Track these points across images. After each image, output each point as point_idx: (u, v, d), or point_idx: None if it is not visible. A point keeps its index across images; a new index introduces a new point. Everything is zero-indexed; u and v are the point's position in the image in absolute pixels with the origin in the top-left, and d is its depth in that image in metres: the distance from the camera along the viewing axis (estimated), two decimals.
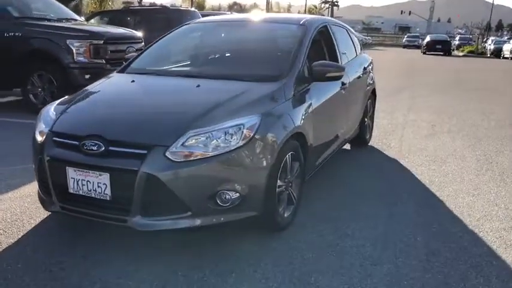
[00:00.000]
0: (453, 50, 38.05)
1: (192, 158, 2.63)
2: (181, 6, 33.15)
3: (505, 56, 30.84)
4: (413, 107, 8.63)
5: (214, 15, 12.19)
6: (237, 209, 2.78)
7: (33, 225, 3.18)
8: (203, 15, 9.71)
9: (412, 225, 3.36)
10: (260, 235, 3.08)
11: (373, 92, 5.65)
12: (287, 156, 3.05)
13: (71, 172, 2.73)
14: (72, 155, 2.76)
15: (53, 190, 2.85)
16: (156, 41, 4.32)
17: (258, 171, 2.82)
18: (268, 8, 51.51)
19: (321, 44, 4.29)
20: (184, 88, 3.41)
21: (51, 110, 3.19)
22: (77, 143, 2.76)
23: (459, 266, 2.80)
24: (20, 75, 6.74)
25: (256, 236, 3.07)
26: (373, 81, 5.59)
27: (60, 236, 3.08)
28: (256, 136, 2.78)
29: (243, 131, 2.74)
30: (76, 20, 7.99)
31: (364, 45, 36.16)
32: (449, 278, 2.66)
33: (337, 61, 4.32)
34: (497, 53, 32.93)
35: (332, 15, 64.50)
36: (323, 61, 3.72)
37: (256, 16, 4.74)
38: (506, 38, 46.07)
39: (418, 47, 42.87)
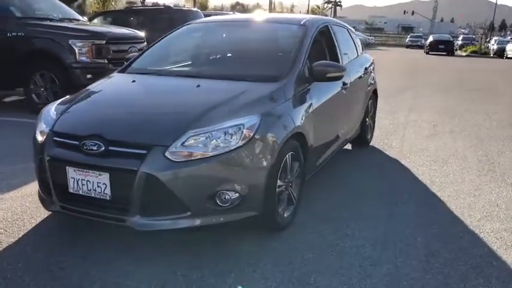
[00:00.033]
0: (456, 50, 37.94)
1: (191, 158, 2.63)
2: (184, 6, 33.20)
3: (508, 56, 30.71)
4: (415, 107, 8.61)
5: (216, 15, 12.19)
6: (236, 209, 2.78)
7: (33, 225, 3.19)
8: (206, 16, 9.72)
9: (412, 225, 3.36)
10: (260, 235, 3.08)
11: (375, 92, 5.64)
12: (287, 156, 3.05)
13: (71, 172, 2.74)
14: (72, 155, 2.77)
15: (53, 190, 2.86)
16: (157, 41, 4.33)
17: (258, 171, 2.82)
18: (271, 8, 51.48)
19: (321, 44, 4.28)
20: (184, 88, 3.42)
21: (51, 109, 3.20)
22: (77, 142, 2.77)
23: (459, 266, 2.79)
24: (22, 75, 6.76)
25: (256, 236, 3.07)
26: (375, 81, 5.58)
27: (61, 236, 3.09)
28: (256, 136, 2.78)
29: (242, 131, 2.74)
30: (78, 20, 8.02)
31: (367, 45, 35.94)
32: (449, 279, 2.65)
33: (338, 61, 4.31)
34: (500, 53, 32.80)
35: (335, 15, 64.44)
36: (323, 61, 3.72)
37: (257, 16, 4.74)
38: (509, 37, 45.89)
39: (421, 47, 42.74)
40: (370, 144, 5.63)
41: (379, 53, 30.05)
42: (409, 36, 52.63)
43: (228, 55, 4.27)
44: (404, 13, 78.24)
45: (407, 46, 46.45)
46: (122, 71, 3.91)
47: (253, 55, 3.94)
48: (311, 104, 3.49)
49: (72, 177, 2.75)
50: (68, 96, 3.51)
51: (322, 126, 3.71)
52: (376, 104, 5.84)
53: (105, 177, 2.65)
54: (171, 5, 14.98)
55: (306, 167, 3.42)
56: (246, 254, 2.87)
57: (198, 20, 5.01)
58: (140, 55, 4.17)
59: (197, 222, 2.73)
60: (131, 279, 2.56)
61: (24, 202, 3.53)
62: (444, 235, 3.22)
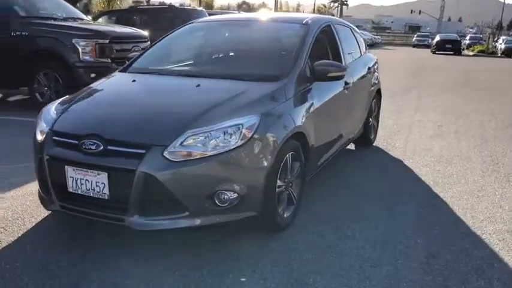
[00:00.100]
0: (463, 49, 37.70)
1: (190, 158, 2.62)
2: (190, 5, 33.26)
3: None
4: (421, 107, 8.56)
5: (221, 14, 12.19)
6: (235, 209, 2.77)
7: (33, 224, 3.20)
8: (210, 15, 9.71)
9: (414, 226, 3.33)
10: (260, 235, 3.07)
11: (378, 92, 5.60)
12: (287, 156, 3.03)
13: (70, 171, 2.74)
14: (71, 154, 2.77)
15: (53, 189, 2.86)
16: (159, 41, 4.32)
17: (257, 171, 2.81)
18: (277, 8, 51.41)
19: (324, 43, 4.26)
20: (184, 88, 3.41)
21: (51, 109, 3.20)
22: (76, 142, 2.77)
23: (460, 268, 2.76)
24: (26, 74, 6.79)
25: (256, 237, 3.05)
26: (378, 81, 5.55)
27: (60, 235, 3.10)
28: (256, 136, 2.76)
29: (242, 131, 2.73)
30: (82, 19, 8.04)
31: (374, 45, 35.85)
32: (449, 281, 2.63)
33: (341, 61, 4.29)
34: (508, 53, 32.53)
35: (341, 15, 64.24)
36: (325, 61, 3.69)
37: (260, 15, 4.72)
38: None
39: (428, 46, 42.47)
40: (374, 144, 5.60)
41: (386, 53, 29.96)
42: (415, 36, 52.30)
43: (229, 54, 4.25)
44: (411, 12, 77.86)
45: (414, 45, 46.18)
46: (123, 71, 3.91)
47: (254, 54, 3.93)
48: (312, 104, 3.47)
49: (71, 177, 2.75)
50: (68, 96, 3.52)
51: (324, 126, 3.69)
52: (380, 104, 5.81)
53: (103, 177, 2.65)
54: (177, 4, 15.03)
55: (306, 167, 3.39)
56: (246, 254, 2.86)
57: (199, 19, 5.01)
58: (141, 54, 4.17)
59: (197, 222, 2.72)
60: (130, 279, 2.55)
61: (24, 201, 3.54)
62: (446, 236, 3.19)
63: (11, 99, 8.27)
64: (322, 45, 4.21)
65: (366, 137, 5.30)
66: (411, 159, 5.04)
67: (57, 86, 6.71)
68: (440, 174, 4.57)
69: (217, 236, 3.02)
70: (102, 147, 2.67)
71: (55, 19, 7.27)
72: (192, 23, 4.62)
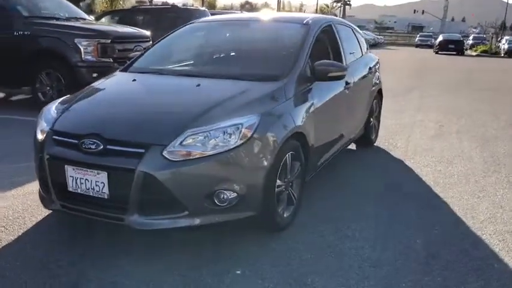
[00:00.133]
0: (466, 49, 37.58)
1: (189, 158, 2.63)
2: (193, 5, 33.27)
3: None
4: (423, 107, 8.54)
5: (223, 14, 12.19)
6: (234, 209, 2.77)
7: (34, 223, 3.21)
8: (213, 15, 9.72)
9: (414, 226, 3.32)
10: (260, 235, 3.07)
11: (379, 92, 5.59)
12: (287, 156, 3.03)
13: (70, 170, 2.75)
14: (71, 154, 2.77)
15: (53, 188, 2.87)
16: (160, 40, 4.33)
17: (256, 171, 2.81)
18: (280, 8, 51.38)
19: (325, 43, 4.26)
20: (184, 87, 3.41)
21: (52, 108, 3.21)
22: (76, 141, 2.78)
23: (459, 268, 2.76)
24: (28, 74, 6.81)
25: (256, 236, 3.05)
26: (380, 81, 5.54)
27: (60, 234, 3.10)
28: (255, 135, 2.77)
29: (241, 131, 2.73)
30: (85, 19, 8.05)
31: (376, 45, 35.72)
32: (448, 281, 2.62)
33: (342, 61, 4.28)
34: (511, 53, 32.45)
35: (344, 15, 64.14)
36: (325, 60, 3.68)
37: (261, 15, 4.72)
38: None
39: (430, 46, 42.35)
40: (375, 144, 5.59)
41: (388, 53, 29.91)
42: (418, 36, 52.13)
43: (229, 54, 4.26)
44: (414, 12, 77.75)
45: (417, 45, 46.08)
46: (124, 70, 3.92)
47: (254, 54, 3.93)
48: (312, 104, 3.47)
49: (71, 176, 2.75)
50: (68, 95, 3.53)
51: (324, 126, 3.69)
52: (381, 104, 5.79)
53: (103, 176, 2.65)
54: (180, 4, 15.04)
55: (307, 167, 3.39)
56: (245, 253, 2.86)
57: (200, 19, 5.01)
58: (142, 54, 4.18)
59: (196, 221, 2.72)
60: (129, 279, 2.56)
61: (25, 200, 3.55)
62: (445, 237, 3.18)
63: (14, 98, 8.30)
64: (323, 45, 4.21)
65: (367, 137, 5.30)
66: (412, 160, 5.03)
67: (59, 85, 6.73)
68: (441, 174, 4.56)
69: (216, 235, 3.03)
70: (101, 147, 2.68)
71: (57, 19, 7.30)
72: (193, 22, 4.63)
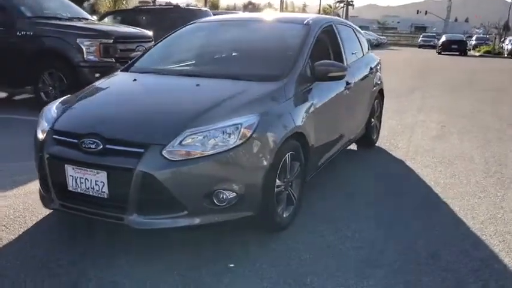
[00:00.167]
0: (469, 50, 37.47)
1: (189, 157, 2.63)
2: (196, 5, 33.29)
3: None
4: (425, 108, 8.53)
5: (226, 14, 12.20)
6: (234, 209, 2.78)
7: (34, 222, 3.22)
8: (216, 15, 9.72)
9: (414, 227, 3.32)
10: (259, 235, 3.07)
11: (381, 92, 5.59)
12: (286, 156, 3.03)
13: (69, 170, 2.76)
14: (71, 153, 2.78)
15: (53, 188, 2.88)
16: (161, 40, 4.34)
17: (256, 171, 2.81)
18: (282, 8, 51.34)
19: (325, 43, 4.26)
20: (184, 87, 3.42)
21: (53, 108, 3.23)
22: (76, 141, 2.79)
23: (459, 269, 2.75)
24: (31, 74, 6.84)
25: (255, 236, 3.06)
26: (381, 81, 5.53)
27: (60, 233, 3.11)
28: (254, 135, 2.77)
29: (240, 130, 2.73)
30: (87, 19, 8.08)
31: (379, 45, 35.64)
32: (448, 282, 2.62)
33: (342, 61, 4.28)
34: None
35: (347, 15, 64.05)
36: (325, 61, 3.68)
37: (262, 15, 4.73)
38: None
39: (433, 47, 42.23)
40: (376, 144, 5.59)
41: (391, 53, 29.88)
42: (421, 36, 51.99)
43: (230, 54, 4.26)
44: (417, 13, 77.51)
45: (420, 46, 45.95)
46: (125, 70, 3.93)
47: (254, 54, 3.93)
48: (312, 104, 3.47)
49: (70, 175, 2.76)
50: (69, 95, 3.54)
51: (324, 126, 3.69)
52: (383, 104, 5.79)
53: (102, 176, 2.66)
54: (184, 5, 15.06)
55: (307, 167, 3.39)
56: (245, 253, 2.86)
57: (201, 20, 5.02)
58: (143, 54, 4.19)
59: (196, 221, 2.72)
60: (129, 278, 2.56)
61: (26, 199, 3.56)
62: (445, 237, 3.18)
63: (17, 98, 8.33)
64: (324, 45, 4.21)
65: (368, 137, 5.29)
66: (413, 160, 5.02)
67: (61, 85, 6.75)
68: (442, 174, 4.55)
69: (216, 235, 3.03)
70: (101, 146, 2.69)
71: (60, 19, 7.32)
72: (194, 23, 4.63)
